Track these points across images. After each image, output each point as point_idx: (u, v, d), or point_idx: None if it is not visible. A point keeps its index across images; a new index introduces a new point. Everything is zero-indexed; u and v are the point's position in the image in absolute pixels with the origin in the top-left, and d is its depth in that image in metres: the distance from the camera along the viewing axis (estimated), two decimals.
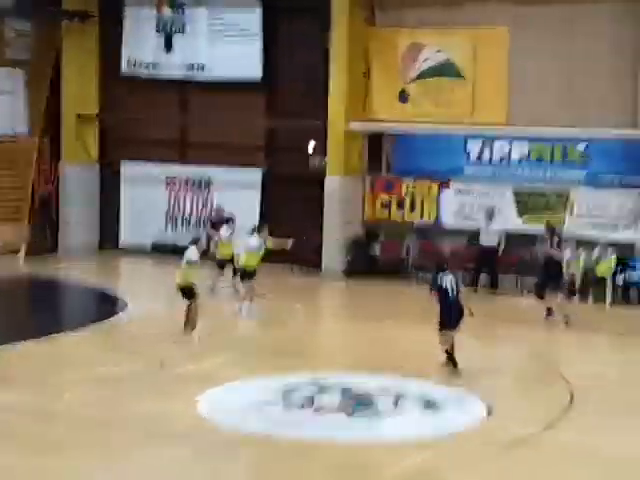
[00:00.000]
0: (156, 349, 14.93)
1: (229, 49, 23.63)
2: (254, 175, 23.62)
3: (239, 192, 23.33)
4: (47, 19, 24.65)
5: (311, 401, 12.45)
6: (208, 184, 24.28)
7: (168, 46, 24.42)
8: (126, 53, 24.78)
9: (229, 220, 19.46)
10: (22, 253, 23.59)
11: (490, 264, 20.56)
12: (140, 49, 24.63)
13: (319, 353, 15.87)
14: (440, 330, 13.86)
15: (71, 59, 24.83)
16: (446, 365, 13.86)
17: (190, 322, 15.96)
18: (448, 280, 13.90)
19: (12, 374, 13.51)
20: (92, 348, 15.51)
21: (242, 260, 17.72)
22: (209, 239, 20.20)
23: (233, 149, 23.71)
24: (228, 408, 12.34)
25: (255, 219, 22.44)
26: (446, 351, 13.85)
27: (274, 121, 23.60)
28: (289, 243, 18.70)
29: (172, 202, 24.68)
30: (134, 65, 24.78)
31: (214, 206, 23.15)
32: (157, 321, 17.17)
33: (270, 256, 18.28)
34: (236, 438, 11.20)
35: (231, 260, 18.91)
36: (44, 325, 16.80)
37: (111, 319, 17.52)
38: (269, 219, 22.26)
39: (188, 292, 15.98)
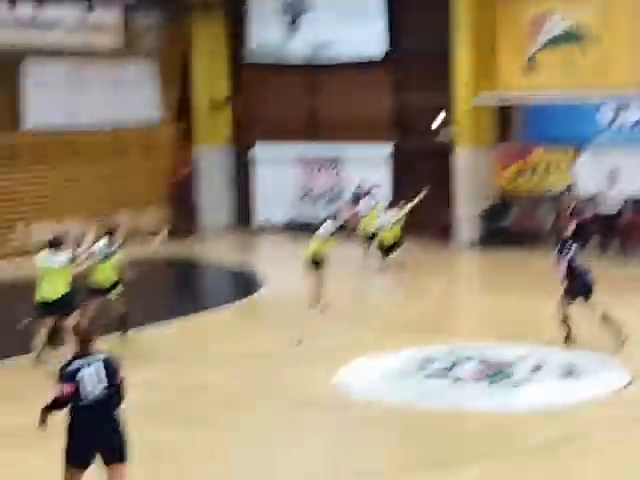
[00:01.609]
0: (295, 324, 15.30)
1: (353, 28, 23.79)
2: (383, 151, 23.78)
3: (369, 168, 23.54)
4: (175, 10, 25.33)
5: (450, 371, 12.60)
6: (338, 161, 24.58)
7: (293, 27, 24.77)
8: (253, 38, 25.27)
9: (368, 194, 19.95)
10: (162, 236, 24.30)
11: (612, 230, 20.26)
12: (266, 32, 25.07)
13: (456, 324, 15.96)
14: (566, 299, 13.50)
15: (200, 47, 25.50)
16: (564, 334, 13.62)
17: (312, 295, 16.23)
18: (572, 250, 13.57)
19: (156, 352, 14.06)
20: (233, 325, 16.03)
21: (381, 236, 18.12)
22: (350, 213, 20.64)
23: (361, 127, 23.91)
24: (368, 379, 12.58)
25: (385, 194, 22.77)
26: (563, 320, 13.58)
27: (401, 97, 23.69)
28: (423, 193, 18.94)
29: (304, 180, 25.10)
30: (261, 49, 25.24)
31: (357, 182, 22.65)
32: (295, 297, 17.53)
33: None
34: (377, 408, 11.45)
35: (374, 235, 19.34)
36: (186, 305, 17.40)
37: (250, 297, 18.02)
38: (398, 193, 22.55)
39: (318, 264, 16.23)
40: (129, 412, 8.10)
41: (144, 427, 9.55)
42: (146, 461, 8.95)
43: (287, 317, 16.01)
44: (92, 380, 7.76)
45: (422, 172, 22.68)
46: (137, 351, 14.05)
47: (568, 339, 13.61)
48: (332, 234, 16.36)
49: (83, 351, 7.89)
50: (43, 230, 20.79)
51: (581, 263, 13.63)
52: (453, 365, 12.80)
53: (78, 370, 7.77)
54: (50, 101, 22.69)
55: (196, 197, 25.76)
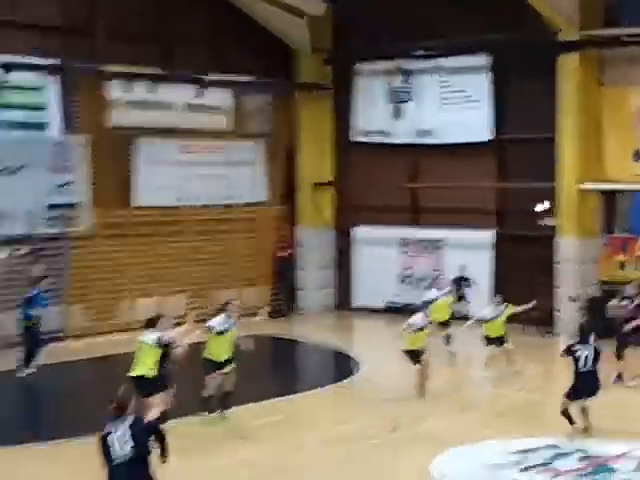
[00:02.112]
0: (391, 410, 15.23)
1: (458, 114, 23.98)
2: (485, 236, 23.70)
3: (470, 253, 23.44)
4: (285, 93, 26.00)
5: (549, 465, 12.33)
6: (440, 245, 24.57)
7: (397, 114, 25.10)
8: (357, 122, 25.68)
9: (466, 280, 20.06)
10: (263, 315, 24.64)
11: None
12: (371, 117, 25.44)
13: (557, 415, 15.63)
14: (566, 397, 13.79)
15: (307, 129, 26.02)
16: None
17: (420, 385, 16.20)
18: (585, 351, 13.74)
19: (253, 433, 14.09)
20: (329, 408, 16.03)
21: (483, 328, 18.18)
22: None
23: (464, 211, 23.93)
24: (461, 471, 12.41)
25: (487, 280, 22.70)
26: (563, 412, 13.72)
27: (504, 182, 23.69)
28: (530, 305, 18.79)
29: (404, 263, 25.13)
30: (365, 133, 25.62)
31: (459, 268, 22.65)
32: (391, 381, 17.48)
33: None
34: None
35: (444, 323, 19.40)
36: (283, 386, 17.56)
37: (347, 379, 18.02)
38: (500, 280, 22.45)
39: (415, 356, 16.26)
40: None
41: None
42: None
43: (383, 401, 15.94)
44: (120, 441, 8.34)
45: (524, 259, 22.51)
46: (234, 431, 14.17)
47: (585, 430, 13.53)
48: (424, 327, 16.37)
49: (114, 416, 8.46)
50: (147, 306, 21.26)
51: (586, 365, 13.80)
52: (552, 459, 12.53)
53: (107, 434, 8.37)
54: (160, 179, 23.33)
55: (297, 277, 26.03)
